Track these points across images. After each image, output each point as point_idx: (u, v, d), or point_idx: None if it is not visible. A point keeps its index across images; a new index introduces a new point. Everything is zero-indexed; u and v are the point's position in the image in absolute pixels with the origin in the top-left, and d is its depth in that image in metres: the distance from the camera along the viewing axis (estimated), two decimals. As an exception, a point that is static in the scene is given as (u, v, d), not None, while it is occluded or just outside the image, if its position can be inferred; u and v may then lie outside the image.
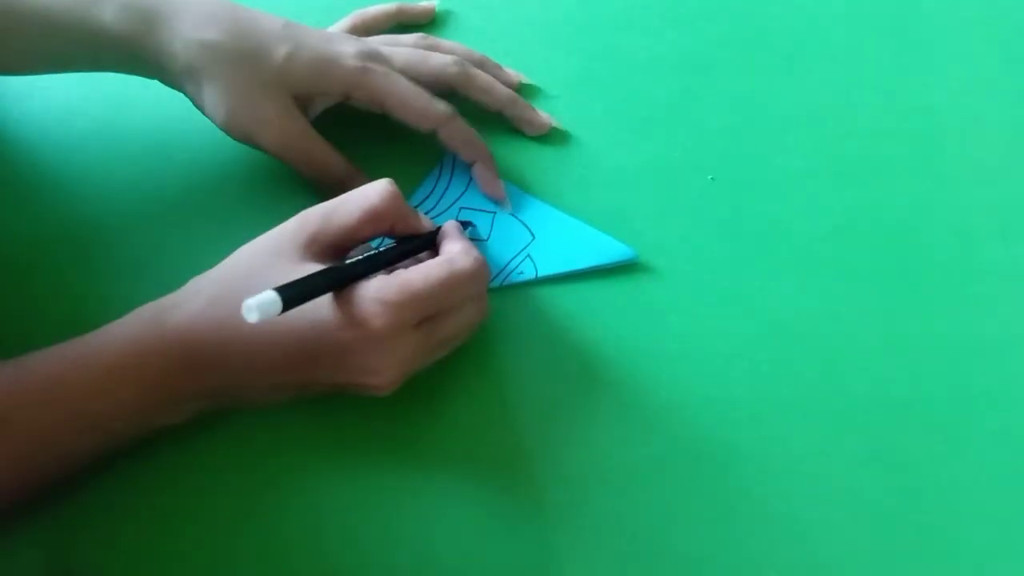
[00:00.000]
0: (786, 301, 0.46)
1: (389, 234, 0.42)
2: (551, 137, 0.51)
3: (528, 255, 0.46)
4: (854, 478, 0.41)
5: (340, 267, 0.39)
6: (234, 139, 0.46)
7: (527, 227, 0.48)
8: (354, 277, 0.39)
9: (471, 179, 0.49)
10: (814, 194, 0.49)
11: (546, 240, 0.47)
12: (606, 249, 0.46)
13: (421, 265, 0.39)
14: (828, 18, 0.55)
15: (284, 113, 0.45)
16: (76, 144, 0.51)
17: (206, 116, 0.46)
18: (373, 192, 0.41)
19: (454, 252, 0.40)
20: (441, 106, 0.47)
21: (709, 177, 0.49)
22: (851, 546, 0.40)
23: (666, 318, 0.45)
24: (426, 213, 0.49)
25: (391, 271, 0.40)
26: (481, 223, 0.48)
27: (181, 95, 0.47)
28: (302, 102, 0.46)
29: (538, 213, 0.48)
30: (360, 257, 0.40)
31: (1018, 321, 0.45)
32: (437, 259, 0.40)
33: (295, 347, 0.38)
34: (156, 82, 0.47)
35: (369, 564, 0.40)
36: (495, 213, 0.48)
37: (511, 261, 0.46)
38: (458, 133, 0.48)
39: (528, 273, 0.46)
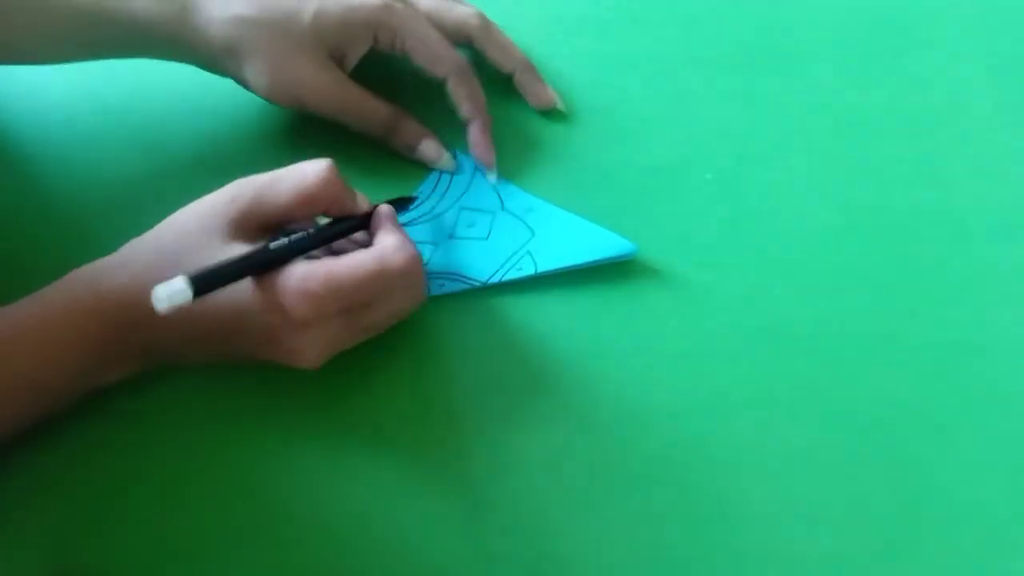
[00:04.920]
0: (786, 301, 0.45)
1: (325, 214, 0.42)
2: (550, 136, 0.51)
3: (528, 252, 0.46)
4: (854, 478, 0.41)
5: (260, 252, 0.38)
6: (280, 106, 0.48)
7: (526, 224, 0.47)
8: (276, 262, 0.38)
9: (472, 178, 0.49)
10: (813, 194, 0.49)
11: (545, 236, 0.47)
12: (606, 243, 0.46)
13: (350, 257, 0.39)
14: (828, 18, 0.55)
15: (322, 70, 0.47)
16: (74, 141, 0.52)
17: (250, 90, 0.48)
18: (309, 173, 0.40)
19: (387, 247, 0.40)
20: (458, 55, 0.49)
21: (709, 177, 0.49)
22: (851, 546, 0.40)
23: (665, 318, 0.45)
24: (426, 212, 0.49)
25: (318, 257, 0.40)
26: (481, 222, 0.48)
27: (185, 89, 0.48)
28: (337, 57, 0.48)
29: (537, 210, 0.48)
30: (284, 241, 0.39)
31: (1018, 321, 0.45)
32: (368, 253, 0.40)
33: (220, 325, 0.39)
34: (161, 75, 0.48)
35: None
36: (495, 213, 0.48)
37: (510, 258, 0.46)
38: (467, 86, 0.49)
39: (527, 269, 0.45)
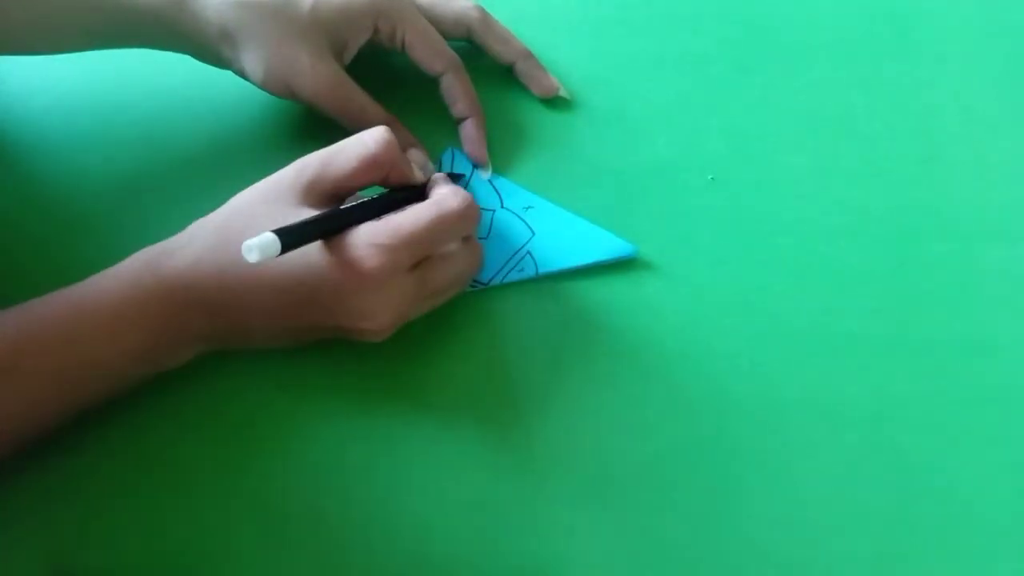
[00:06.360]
0: (786, 300, 0.46)
1: (384, 183, 0.43)
2: (551, 135, 0.51)
3: (528, 252, 0.46)
4: (854, 478, 0.41)
5: (336, 212, 0.40)
6: (275, 95, 0.47)
7: (526, 223, 0.47)
8: (348, 223, 0.39)
9: (470, 177, 0.49)
10: (814, 194, 0.49)
11: (546, 237, 0.47)
12: (606, 245, 0.46)
13: (410, 208, 0.40)
14: (828, 18, 0.55)
15: (320, 61, 0.46)
16: (74, 140, 0.51)
17: (245, 78, 0.47)
18: (370, 140, 0.41)
19: (443, 193, 0.41)
20: (453, 53, 0.49)
21: (709, 177, 0.49)
22: (851, 546, 0.40)
23: (666, 317, 0.45)
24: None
25: (381, 218, 0.41)
26: (480, 220, 0.48)
27: (185, 88, 0.47)
28: (337, 48, 0.47)
29: (536, 208, 0.48)
30: (355, 204, 0.41)
31: (1018, 321, 0.45)
32: (426, 201, 0.41)
33: (292, 291, 0.39)
34: (161, 74, 0.48)
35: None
36: (494, 211, 0.48)
37: (511, 259, 0.46)
38: (462, 83, 0.50)
39: (528, 271, 0.46)
